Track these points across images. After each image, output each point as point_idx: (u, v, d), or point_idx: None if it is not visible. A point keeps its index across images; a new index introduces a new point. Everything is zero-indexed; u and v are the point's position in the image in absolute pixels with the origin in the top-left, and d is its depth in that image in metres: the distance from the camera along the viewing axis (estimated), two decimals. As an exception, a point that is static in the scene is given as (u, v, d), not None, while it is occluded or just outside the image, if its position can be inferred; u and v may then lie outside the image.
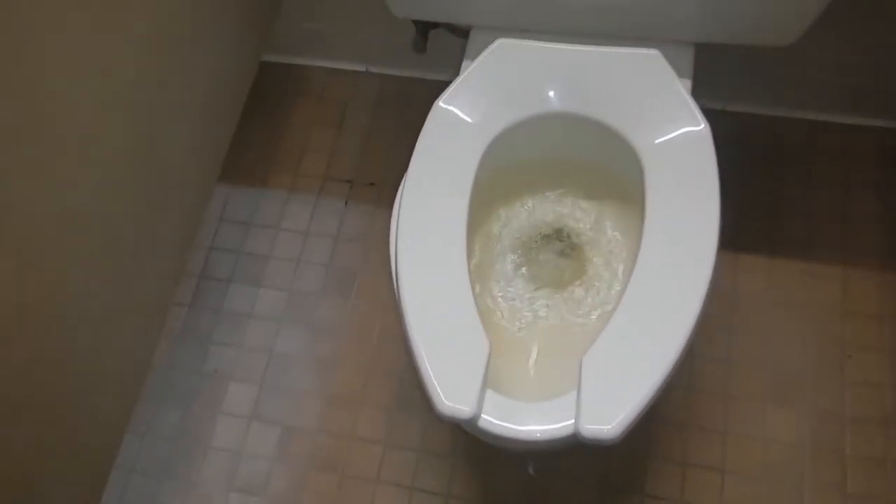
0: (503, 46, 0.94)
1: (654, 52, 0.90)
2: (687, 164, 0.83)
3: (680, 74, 0.90)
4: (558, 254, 1.00)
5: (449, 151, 0.89)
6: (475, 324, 0.79)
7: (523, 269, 0.98)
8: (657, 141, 0.85)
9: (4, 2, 0.65)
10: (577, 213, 1.00)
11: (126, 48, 0.83)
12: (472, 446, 1.18)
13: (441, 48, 1.19)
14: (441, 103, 0.91)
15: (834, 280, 1.21)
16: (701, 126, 0.84)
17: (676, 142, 0.84)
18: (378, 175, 1.39)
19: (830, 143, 1.31)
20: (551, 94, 0.91)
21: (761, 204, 1.28)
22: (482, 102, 0.91)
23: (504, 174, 0.95)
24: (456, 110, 0.91)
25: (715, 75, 1.18)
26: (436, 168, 0.88)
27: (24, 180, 0.72)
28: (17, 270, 0.73)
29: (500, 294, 0.96)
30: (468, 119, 0.90)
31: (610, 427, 0.72)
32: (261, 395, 1.25)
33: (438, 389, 0.75)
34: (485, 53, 0.93)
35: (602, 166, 0.95)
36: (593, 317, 0.93)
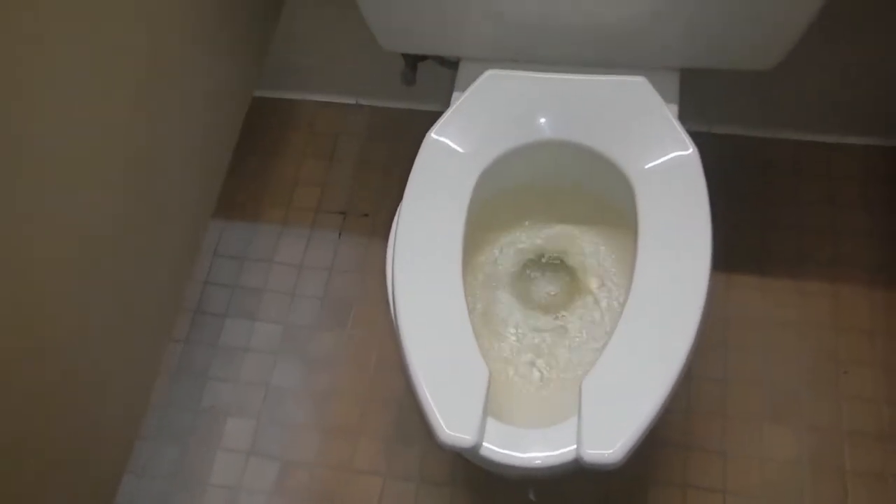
0: (493, 77, 0.95)
1: (640, 80, 0.91)
2: (677, 188, 0.84)
3: (666, 100, 0.92)
4: (553, 279, 1.01)
5: (442, 181, 0.90)
6: (474, 351, 0.80)
7: (518, 295, 0.99)
8: (647, 166, 0.86)
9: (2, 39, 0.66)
10: (571, 238, 1.01)
11: (123, 81, 0.84)
12: (471, 474, 1.18)
13: (430, 79, 1.21)
14: (433, 134, 0.92)
15: (826, 296, 1.22)
16: (689, 150, 0.86)
17: (666, 167, 0.86)
18: (371, 206, 1.40)
19: (816, 162, 1.33)
20: (541, 122, 0.92)
21: (751, 223, 1.29)
22: (474, 132, 0.92)
23: (497, 202, 0.96)
24: (448, 141, 0.92)
25: (701, 99, 1.20)
26: (430, 198, 0.89)
27: (19, 214, 0.72)
28: (15, 306, 0.73)
29: (495, 320, 0.97)
30: (460, 149, 0.91)
31: (612, 451, 0.72)
32: (258, 430, 1.25)
33: (439, 419, 0.75)
34: (475, 84, 0.95)
35: (593, 192, 0.96)
36: (590, 340, 0.94)
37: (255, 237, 1.40)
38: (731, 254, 1.26)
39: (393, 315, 0.84)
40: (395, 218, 0.90)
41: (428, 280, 0.84)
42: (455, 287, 0.84)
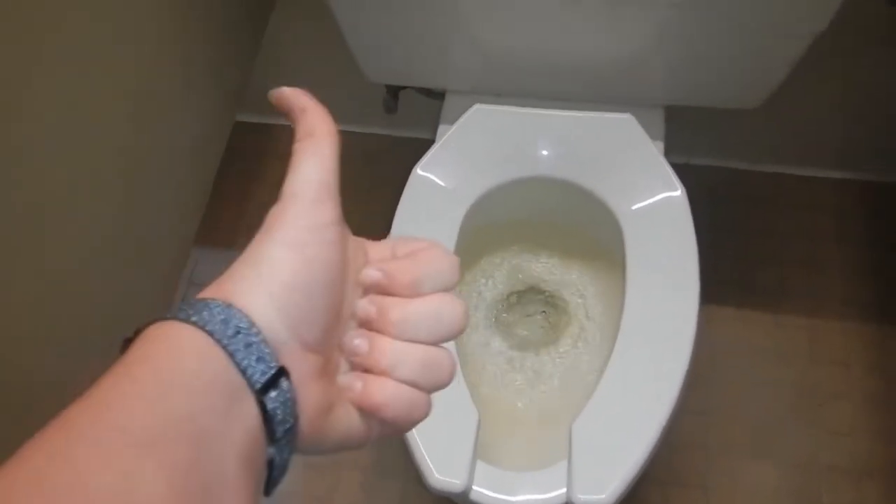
0: (480, 112, 0.95)
1: (627, 117, 0.92)
2: (665, 229, 0.85)
3: (652, 136, 0.92)
4: (538, 314, 1.00)
5: (429, 218, 0.89)
6: (463, 393, 0.79)
7: (503, 330, 0.98)
8: (635, 207, 0.86)
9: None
10: (557, 273, 1.01)
11: (111, 118, 0.82)
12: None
13: (411, 106, 1.20)
14: (419, 170, 0.91)
15: (803, 329, 1.24)
16: (678, 192, 0.86)
17: (654, 208, 0.86)
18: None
19: (795, 195, 1.35)
20: (529, 158, 0.92)
21: (730, 255, 1.30)
22: (460, 168, 0.92)
23: (483, 235, 0.96)
24: (434, 177, 0.91)
25: (681, 131, 1.21)
26: (416, 234, 0.88)
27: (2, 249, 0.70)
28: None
29: (481, 357, 0.96)
30: (447, 185, 0.91)
31: (604, 496, 0.72)
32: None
33: (429, 462, 0.74)
34: (462, 119, 0.94)
35: (580, 227, 0.96)
36: (575, 378, 0.94)
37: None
38: (711, 285, 1.25)
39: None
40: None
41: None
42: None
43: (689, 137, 1.31)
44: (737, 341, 1.24)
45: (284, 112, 0.34)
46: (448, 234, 0.88)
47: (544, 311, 1.00)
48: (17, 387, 0.76)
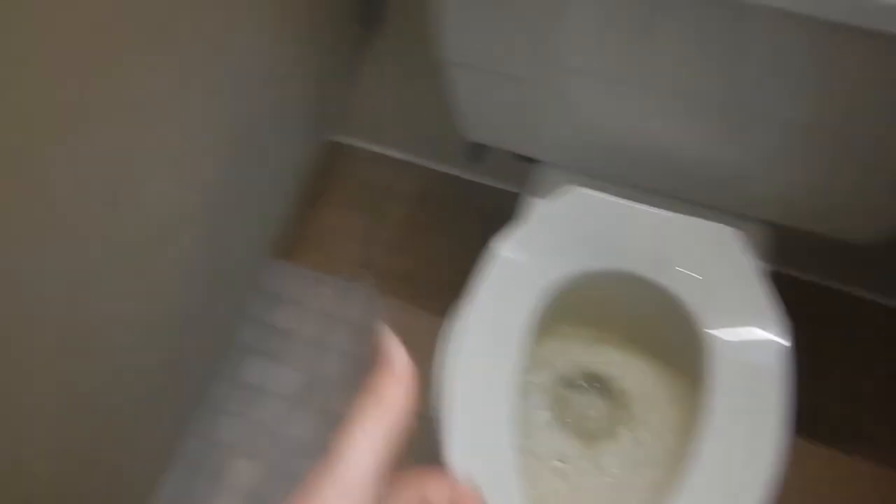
0: (575, 195, 0.91)
1: (734, 231, 0.87)
2: (758, 376, 0.79)
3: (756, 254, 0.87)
4: (596, 405, 0.96)
5: (505, 301, 0.85)
6: (515, 489, 0.76)
7: (557, 415, 0.95)
8: (730, 338, 0.81)
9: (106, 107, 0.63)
10: (624, 368, 0.96)
11: (210, 136, 0.82)
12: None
13: (493, 155, 1.16)
14: (502, 251, 0.87)
15: (868, 482, 1.14)
16: (783, 342, 0.80)
17: (752, 349, 0.80)
18: (409, 269, 1.36)
19: (873, 324, 1.26)
20: (619, 251, 0.88)
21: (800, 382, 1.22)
22: (543, 250, 0.88)
23: (555, 318, 0.92)
24: (515, 256, 0.87)
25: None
26: (490, 316, 0.85)
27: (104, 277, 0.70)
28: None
29: (534, 448, 0.92)
30: (527, 266, 0.87)
31: None
32: (265, 475, 1.20)
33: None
34: (555, 200, 0.90)
35: (658, 331, 0.92)
36: (625, 484, 0.90)
37: (290, 278, 1.35)
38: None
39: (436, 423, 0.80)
40: (452, 329, 0.85)
41: (479, 406, 0.80)
42: (504, 423, 0.79)
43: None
44: (798, 483, 1.15)
45: (372, 350, 0.33)
46: (523, 320, 0.85)
47: (604, 403, 0.95)
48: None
